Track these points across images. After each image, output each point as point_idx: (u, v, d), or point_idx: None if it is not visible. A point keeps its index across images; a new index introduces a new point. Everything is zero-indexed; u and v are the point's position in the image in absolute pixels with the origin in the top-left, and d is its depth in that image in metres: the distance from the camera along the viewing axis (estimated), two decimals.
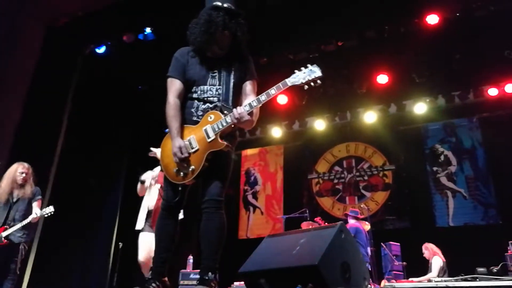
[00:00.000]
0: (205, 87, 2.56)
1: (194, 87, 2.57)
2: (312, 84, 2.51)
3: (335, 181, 9.27)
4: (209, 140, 2.44)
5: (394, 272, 6.52)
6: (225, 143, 2.45)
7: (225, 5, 2.54)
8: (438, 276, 5.91)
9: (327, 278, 2.14)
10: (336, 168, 9.36)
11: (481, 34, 6.76)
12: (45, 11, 6.74)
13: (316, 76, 2.50)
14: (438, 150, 8.47)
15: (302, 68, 2.53)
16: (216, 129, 2.44)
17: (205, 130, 2.46)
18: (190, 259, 6.50)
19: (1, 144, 6.09)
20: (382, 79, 7.89)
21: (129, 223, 8.68)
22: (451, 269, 6.10)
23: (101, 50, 7.46)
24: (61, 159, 6.81)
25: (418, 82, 7.77)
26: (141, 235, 4.53)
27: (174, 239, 2.59)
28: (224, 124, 2.43)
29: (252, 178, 10.12)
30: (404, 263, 6.62)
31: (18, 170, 4.67)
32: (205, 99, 2.54)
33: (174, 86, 2.56)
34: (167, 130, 2.57)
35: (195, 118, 2.54)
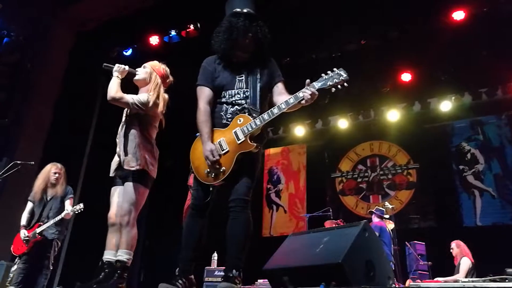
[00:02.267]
0: (233, 91, 2.63)
1: (223, 92, 2.65)
2: (339, 87, 2.57)
3: (359, 179, 9.21)
4: (239, 142, 2.51)
5: (419, 271, 6.44)
6: (255, 144, 2.52)
7: (244, 10, 2.64)
8: (466, 277, 5.80)
9: (351, 276, 2.16)
10: (360, 166, 9.30)
11: (509, 29, 6.59)
12: (75, 17, 6.97)
13: (343, 79, 2.55)
14: (465, 148, 8.30)
15: (329, 72, 2.57)
16: (246, 131, 2.50)
17: (235, 133, 2.53)
18: (215, 256, 6.60)
19: (34, 144, 6.34)
20: (406, 77, 7.80)
21: (156, 221, 8.90)
22: (478, 270, 5.98)
23: (128, 52, 7.66)
24: (90, 158, 7.04)
25: (443, 80, 7.64)
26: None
27: (202, 239, 2.64)
28: (254, 126, 2.50)
29: (275, 176, 10.16)
30: (430, 262, 6.53)
31: (51, 170, 4.87)
32: (234, 102, 2.61)
33: (203, 93, 2.65)
34: (197, 134, 2.65)
35: (224, 121, 2.60)
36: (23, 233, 4.66)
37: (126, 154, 3.07)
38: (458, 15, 6.60)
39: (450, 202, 8.04)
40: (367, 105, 8.89)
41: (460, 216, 7.89)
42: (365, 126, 9.28)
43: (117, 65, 3.25)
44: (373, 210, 6.71)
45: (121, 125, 3.24)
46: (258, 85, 2.64)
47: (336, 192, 9.34)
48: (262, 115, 2.53)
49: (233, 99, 2.62)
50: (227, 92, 2.64)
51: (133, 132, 3.13)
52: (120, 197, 3.12)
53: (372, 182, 9.06)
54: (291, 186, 9.88)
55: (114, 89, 3.10)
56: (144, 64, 3.41)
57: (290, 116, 9.17)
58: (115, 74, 3.19)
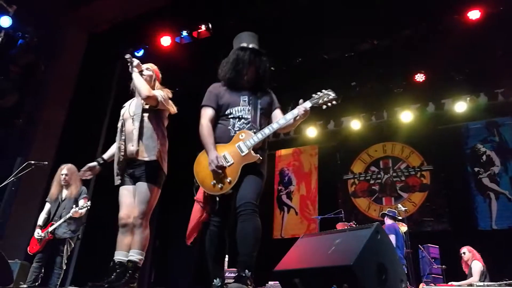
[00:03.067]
0: (239, 107, 2.84)
1: (229, 109, 2.83)
2: (329, 104, 2.87)
3: (371, 181, 9.12)
4: (243, 154, 2.67)
5: (433, 275, 6.35)
6: (258, 155, 2.67)
7: (250, 45, 2.89)
8: (479, 280, 5.71)
9: (362, 279, 2.13)
10: (373, 168, 9.21)
11: None
12: (87, 18, 7.05)
13: (332, 98, 2.85)
14: (480, 150, 8.16)
15: (319, 92, 2.86)
16: (249, 145, 2.68)
17: (238, 146, 2.70)
18: (226, 258, 6.60)
19: (48, 144, 6.42)
20: (419, 77, 7.70)
21: (167, 221, 8.93)
22: (494, 273, 5.87)
23: (140, 53, 7.71)
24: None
25: (457, 80, 7.53)
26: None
27: (225, 246, 2.78)
28: (256, 140, 2.69)
29: (286, 178, 10.12)
30: (444, 266, 6.43)
31: (60, 172, 4.95)
32: (240, 117, 2.81)
33: (206, 112, 2.84)
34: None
35: (232, 134, 2.77)
36: (37, 232, 4.73)
37: (140, 144, 3.08)
38: (474, 14, 6.48)
39: (464, 205, 7.91)
40: (380, 105, 8.80)
41: (475, 219, 7.76)
42: (378, 127, 9.20)
43: (136, 60, 3.27)
44: (385, 212, 6.62)
45: (131, 119, 3.23)
46: (259, 106, 2.88)
47: (348, 194, 9.27)
48: (263, 129, 2.73)
49: (240, 114, 2.81)
50: (234, 109, 2.82)
51: (150, 126, 3.17)
52: (132, 197, 3.12)
53: (384, 184, 8.97)
54: (303, 188, 9.83)
55: (146, 86, 3.14)
56: (147, 66, 3.39)
57: None
58: (135, 70, 3.22)
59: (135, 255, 3.00)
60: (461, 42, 6.86)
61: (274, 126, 2.75)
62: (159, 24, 7.13)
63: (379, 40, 7.29)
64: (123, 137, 3.21)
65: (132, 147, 3.13)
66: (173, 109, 3.33)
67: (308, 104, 2.78)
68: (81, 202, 4.84)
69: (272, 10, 6.76)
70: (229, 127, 2.77)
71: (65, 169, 4.96)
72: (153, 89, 3.26)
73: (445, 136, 8.46)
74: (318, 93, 2.85)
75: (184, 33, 7.33)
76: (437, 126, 8.57)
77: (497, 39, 6.87)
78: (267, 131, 2.72)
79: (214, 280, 2.66)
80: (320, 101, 2.83)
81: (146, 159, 3.07)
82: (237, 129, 2.76)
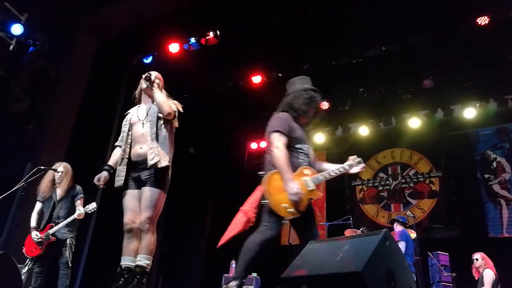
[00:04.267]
0: (306, 145, 3.16)
1: (300, 144, 3.11)
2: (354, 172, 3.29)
3: (380, 188, 9.07)
4: (310, 188, 2.95)
5: (443, 283, 6.27)
6: (321, 194, 3.01)
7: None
8: None
9: (371, 285, 2.11)
10: (381, 174, 9.16)
11: None
12: (97, 25, 7.14)
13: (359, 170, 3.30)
14: (490, 156, 8.08)
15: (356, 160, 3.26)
16: (316, 182, 3.00)
17: (305, 180, 2.96)
18: (233, 263, 6.59)
19: (58, 150, 6.48)
20: (428, 83, 7.65)
21: (175, 227, 8.95)
22: (504, 282, 5.78)
23: (148, 60, 7.78)
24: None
25: (466, 86, 7.47)
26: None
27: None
28: (322, 179, 3.06)
29: None
30: (454, 274, 6.34)
31: (56, 170, 4.78)
32: (307, 153, 3.14)
33: (283, 140, 3.01)
34: (260, 173, 3.03)
35: (297, 167, 3.02)
36: (35, 234, 4.57)
37: (151, 149, 3.10)
38: (483, 20, 6.45)
39: (475, 212, 7.82)
40: (388, 112, 8.77)
41: (485, 226, 7.66)
42: (386, 133, 9.16)
43: (153, 73, 3.36)
44: (395, 218, 6.56)
45: (141, 124, 3.27)
46: (310, 145, 3.26)
47: (357, 200, 9.22)
48: (327, 172, 3.09)
49: (307, 151, 3.14)
50: (303, 145, 3.13)
51: (164, 134, 3.25)
52: (136, 202, 3.13)
53: (393, 191, 8.90)
54: None
55: (168, 103, 3.26)
56: (151, 73, 3.40)
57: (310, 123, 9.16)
58: (155, 85, 3.32)
59: (142, 260, 3.00)
60: (470, 48, 6.83)
61: (332, 174, 3.11)
62: (167, 31, 7.19)
63: (387, 46, 7.29)
64: (129, 140, 3.24)
65: (140, 149, 3.16)
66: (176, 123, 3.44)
67: (354, 170, 3.22)
68: (78, 203, 4.74)
69: (280, 17, 6.80)
70: (300, 161, 3.05)
71: (61, 167, 4.81)
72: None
73: (454, 142, 8.40)
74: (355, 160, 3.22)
75: (192, 40, 7.40)
76: (446, 132, 8.52)
77: (506, 45, 6.83)
78: (327, 175, 3.07)
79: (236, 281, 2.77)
80: (352, 171, 3.25)
81: (159, 165, 3.08)
82: (304, 164, 3.05)
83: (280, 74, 7.95)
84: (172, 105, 3.29)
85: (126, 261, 3.05)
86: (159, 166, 3.08)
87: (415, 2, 6.34)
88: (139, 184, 3.15)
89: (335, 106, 8.37)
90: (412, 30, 6.97)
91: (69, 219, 4.62)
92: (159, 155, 3.10)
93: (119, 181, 3.19)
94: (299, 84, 3.27)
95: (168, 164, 3.14)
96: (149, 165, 3.07)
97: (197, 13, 6.87)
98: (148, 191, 3.08)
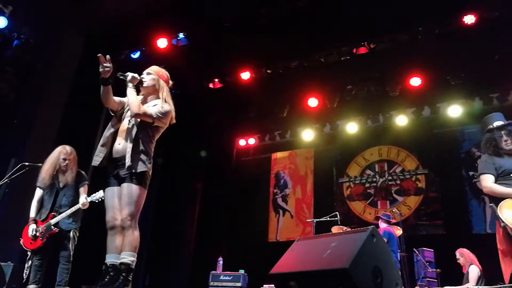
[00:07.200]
0: None
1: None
2: None
3: (367, 185, 9.14)
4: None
5: (428, 279, 6.36)
6: None
7: (495, 124, 3.95)
8: (476, 285, 5.71)
9: (358, 282, 2.13)
10: (368, 172, 9.23)
11: None
12: (84, 20, 7.02)
13: None
14: (475, 154, 8.20)
15: None
16: None
17: None
18: (220, 260, 6.58)
19: (43, 146, 6.36)
20: (415, 81, 7.73)
21: (162, 224, 8.90)
22: (487, 277, 5.88)
23: (136, 55, 7.68)
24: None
25: (453, 84, 7.57)
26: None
27: None
28: None
29: (282, 181, 10.12)
30: (438, 270, 6.43)
31: (60, 156, 4.40)
32: None
33: (491, 179, 3.57)
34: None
35: None
36: (32, 228, 4.19)
37: (134, 158, 3.04)
38: (469, 19, 6.53)
39: (459, 209, 7.94)
40: (376, 109, 8.85)
41: (469, 223, 7.79)
42: (373, 131, 9.24)
43: (129, 74, 3.26)
44: (379, 215, 6.64)
45: (127, 125, 3.21)
46: None
47: (344, 197, 9.28)
48: None
49: None
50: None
51: (145, 139, 3.14)
52: (116, 199, 3.09)
53: (380, 188, 8.98)
54: (298, 191, 9.83)
55: (136, 103, 3.12)
56: (148, 71, 3.39)
57: (298, 119, 9.19)
58: (130, 85, 3.22)
59: (127, 257, 2.97)
60: (457, 47, 6.91)
61: None
62: (155, 26, 7.11)
63: (375, 43, 7.33)
64: (112, 130, 3.20)
65: (119, 145, 3.12)
66: (172, 121, 3.29)
67: None
68: (81, 191, 4.38)
69: (269, 14, 6.78)
70: None
71: (65, 152, 4.40)
72: (159, 94, 3.26)
73: (441, 140, 8.51)
74: None
75: (181, 35, 7.34)
76: (433, 130, 8.62)
77: (492, 44, 6.92)
78: None
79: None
80: None
81: (139, 171, 3.02)
82: None
83: (268, 71, 7.95)
84: (152, 109, 3.16)
85: (110, 259, 3.02)
86: (138, 171, 3.03)
87: (403, 0, 6.39)
88: (119, 181, 3.11)
89: (323, 103, 8.40)
90: (400, 28, 7.03)
91: (73, 208, 4.23)
92: (136, 160, 3.03)
93: (96, 161, 3.14)
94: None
95: (145, 169, 3.06)
96: (126, 166, 3.02)
97: (185, 8, 6.81)
98: (127, 188, 3.04)
